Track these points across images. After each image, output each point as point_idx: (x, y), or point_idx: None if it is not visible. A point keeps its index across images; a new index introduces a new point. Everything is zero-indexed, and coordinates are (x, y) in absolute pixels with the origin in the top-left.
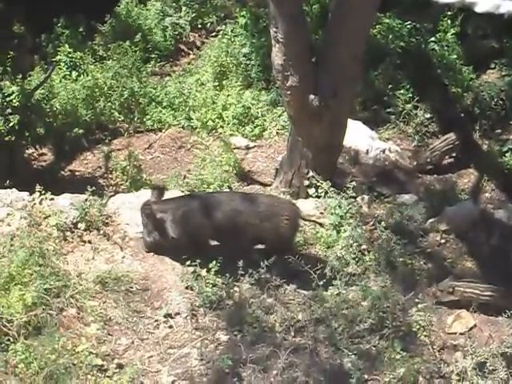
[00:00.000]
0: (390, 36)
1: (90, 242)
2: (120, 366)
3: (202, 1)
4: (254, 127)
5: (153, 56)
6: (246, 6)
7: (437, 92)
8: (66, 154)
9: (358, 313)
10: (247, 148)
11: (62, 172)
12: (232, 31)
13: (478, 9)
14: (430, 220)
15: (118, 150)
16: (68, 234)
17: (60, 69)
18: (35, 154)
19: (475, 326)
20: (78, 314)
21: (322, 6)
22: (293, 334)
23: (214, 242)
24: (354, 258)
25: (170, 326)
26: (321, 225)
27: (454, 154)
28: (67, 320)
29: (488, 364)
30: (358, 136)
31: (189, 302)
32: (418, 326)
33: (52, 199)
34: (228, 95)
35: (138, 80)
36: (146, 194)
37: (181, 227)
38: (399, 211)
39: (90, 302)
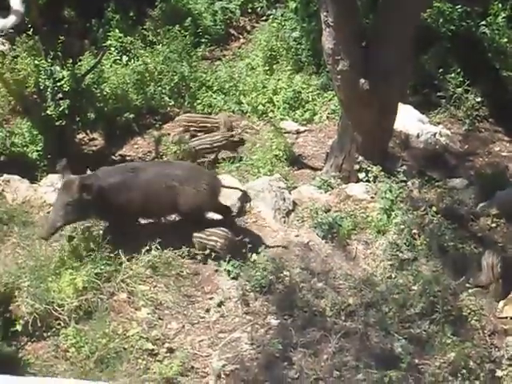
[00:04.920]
0: (441, 20)
1: None
2: (170, 351)
3: None
4: (305, 111)
5: (203, 40)
6: None
7: (488, 76)
8: (116, 139)
9: (409, 297)
10: (297, 132)
11: (113, 157)
12: (282, 15)
13: None
14: (481, 204)
15: (169, 134)
16: None
17: (110, 53)
18: (86, 139)
19: None
20: (129, 298)
21: None
22: (343, 318)
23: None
24: (405, 243)
25: (221, 311)
26: (243, 192)
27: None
28: (118, 304)
29: None
30: (409, 120)
31: (239, 286)
32: (468, 311)
33: None
34: (278, 79)
35: (188, 64)
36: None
37: (109, 200)
38: (450, 195)
39: (141, 287)
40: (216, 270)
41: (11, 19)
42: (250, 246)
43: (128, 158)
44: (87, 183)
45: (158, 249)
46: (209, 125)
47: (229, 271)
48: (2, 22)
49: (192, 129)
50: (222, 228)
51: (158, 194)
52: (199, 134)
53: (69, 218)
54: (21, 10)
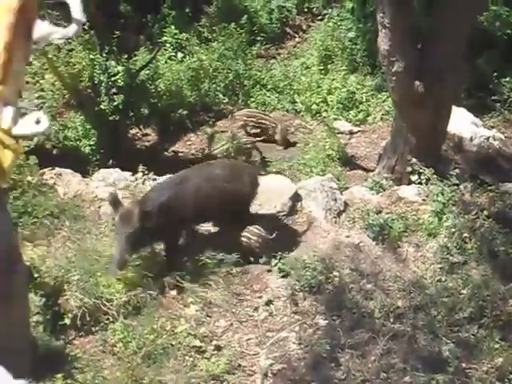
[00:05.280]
0: (497, 23)
1: None
2: (218, 348)
3: None
4: (359, 112)
5: (258, 38)
6: None
7: None
8: (169, 135)
9: (458, 301)
10: (351, 133)
11: (165, 153)
12: (338, 15)
13: None
14: None
15: (222, 131)
16: None
17: (165, 50)
18: (139, 134)
19: None
20: (178, 295)
21: None
22: (392, 320)
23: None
24: (455, 246)
25: (269, 310)
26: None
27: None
28: (167, 301)
29: None
30: (462, 123)
31: (288, 285)
32: None
33: (155, 179)
34: (333, 79)
35: (243, 62)
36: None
37: (167, 219)
38: (502, 200)
39: (190, 284)
40: (269, 270)
41: (72, 28)
42: (301, 244)
43: (180, 154)
44: (148, 211)
45: (212, 253)
46: (267, 123)
47: (279, 269)
48: (63, 31)
49: (251, 124)
50: (256, 226)
51: (208, 197)
52: (255, 131)
53: (134, 249)
54: (82, 19)
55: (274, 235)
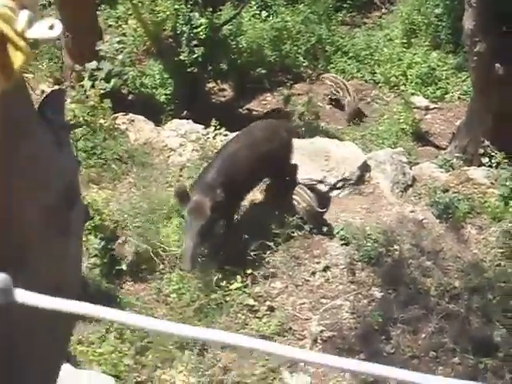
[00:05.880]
0: None
1: None
2: (271, 309)
3: None
4: (437, 89)
5: (345, 5)
6: None
7: None
8: (246, 92)
9: None
10: (427, 109)
11: (240, 110)
12: None
13: None
14: None
15: (298, 94)
16: None
17: (250, 7)
18: (215, 89)
19: None
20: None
21: None
22: (447, 299)
23: None
24: None
25: (326, 276)
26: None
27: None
28: (224, 257)
29: None
30: None
31: (348, 254)
32: None
33: (226, 135)
34: (415, 54)
35: (326, 27)
36: (319, 142)
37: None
38: None
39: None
40: (330, 237)
41: None
42: (365, 214)
43: (255, 112)
44: (218, 201)
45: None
46: (341, 92)
47: (341, 236)
48: None
49: (332, 90)
50: (309, 193)
51: (254, 165)
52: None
53: (205, 241)
54: None
55: (325, 210)
